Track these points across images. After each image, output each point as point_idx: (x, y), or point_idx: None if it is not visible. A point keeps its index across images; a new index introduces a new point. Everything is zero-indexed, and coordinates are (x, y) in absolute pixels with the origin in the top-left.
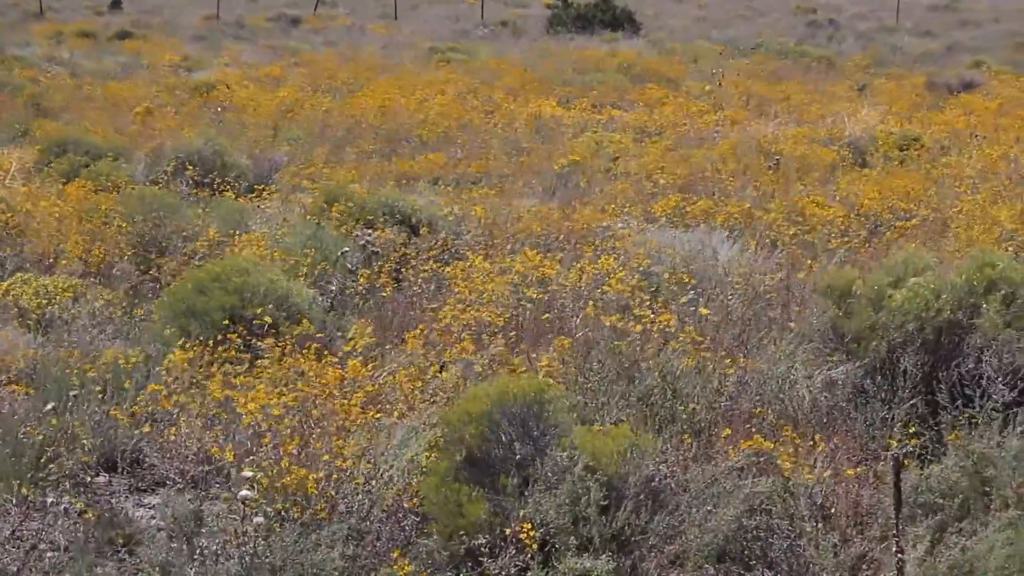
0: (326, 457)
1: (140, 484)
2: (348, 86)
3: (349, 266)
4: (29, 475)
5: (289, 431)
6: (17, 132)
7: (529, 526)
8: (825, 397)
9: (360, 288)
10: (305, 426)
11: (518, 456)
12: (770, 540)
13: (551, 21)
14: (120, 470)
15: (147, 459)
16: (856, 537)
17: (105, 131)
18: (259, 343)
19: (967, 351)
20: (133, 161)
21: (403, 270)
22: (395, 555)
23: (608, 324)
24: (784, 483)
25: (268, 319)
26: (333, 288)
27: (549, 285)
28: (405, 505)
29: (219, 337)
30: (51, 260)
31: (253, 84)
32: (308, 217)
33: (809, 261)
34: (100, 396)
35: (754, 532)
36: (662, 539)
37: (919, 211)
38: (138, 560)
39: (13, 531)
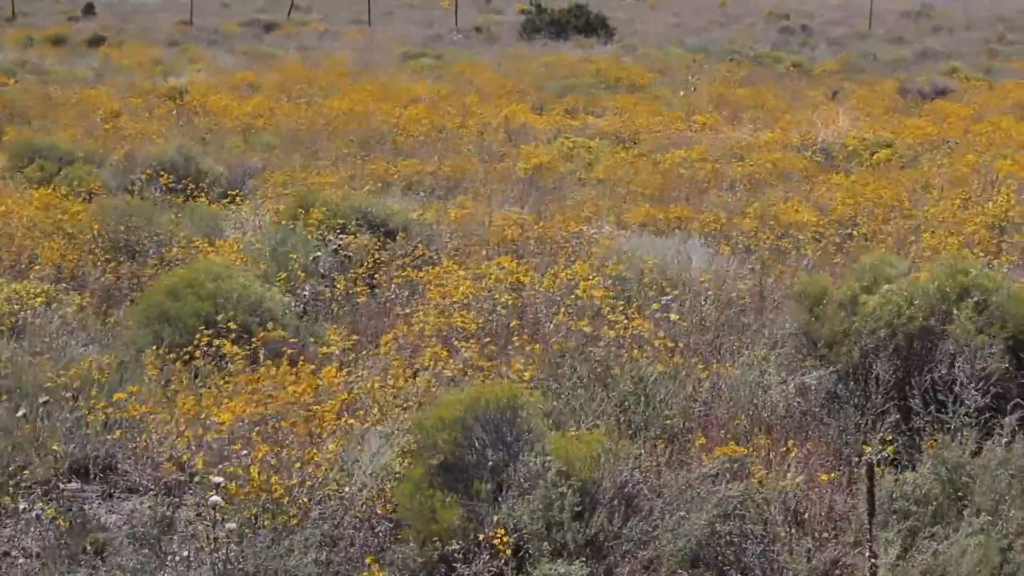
0: (298, 465)
1: (112, 490)
2: (322, 91)
3: (322, 271)
4: (0, 482)
5: (261, 438)
6: None
7: (503, 532)
8: (798, 403)
9: (333, 294)
10: (278, 433)
11: (491, 462)
12: (744, 545)
13: (525, 27)
14: (92, 476)
15: (119, 465)
16: (829, 542)
17: (76, 136)
18: (228, 349)
19: (940, 357)
20: (105, 167)
21: (376, 276)
22: (369, 561)
23: (580, 330)
24: (758, 488)
25: (233, 325)
26: (306, 294)
27: (523, 291)
28: (378, 511)
29: (191, 343)
30: (24, 265)
31: (227, 90)
32: (282, 223)
33: (780, 267)
34: (73, 402)
35: (728, 537)
36: (636, 544)
37: (891, 216)
38: (110, 566)
39: None
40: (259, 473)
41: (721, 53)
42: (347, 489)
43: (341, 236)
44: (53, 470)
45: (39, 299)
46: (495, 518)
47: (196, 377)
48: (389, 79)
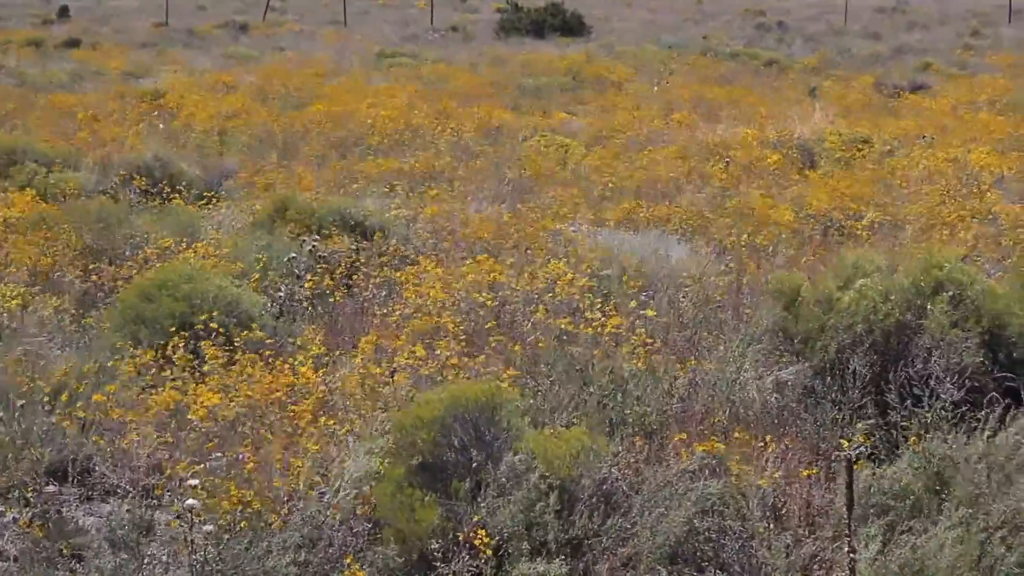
0: (278, 469)
1: (90, 493)
2: (298, 92)
3: (297, 272)
4: None
5: (240, 439)
6: None
7: (484, 532)
8: (776, 398)
9: (309, 294)
10: (256, 433)
11: (474, 462)
12: (722, 541)
13: (501, 25)
14: (70, 479)
15: (97, 468)
16: (808, 537)
17: (52, 140)
18: (208, 352)
19: (915, 352)
20: (82, 170)
21: (353, 276)
22: (348, 561)
23: (558, 327)
24: (736, 484)
25: (214, 326)
26: (281, 294)
27: (500, 290)
28: (357, 511)
29: (168, 344)
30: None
31: (203, 91)
32: (258, 224)
33: (755, 265)
34: (50, 405)
35: (706, 534)
36: (615, 541)
37: (868, 213)
38: (87, 569)
39: None
40: (238, 477)
41: (697, 50)
42: (326, 489)
43: (315, 237)
44: (31, 473)
45: (15, 302)
46: (475, 518)
47: (173, 378)
48: (364, 79)
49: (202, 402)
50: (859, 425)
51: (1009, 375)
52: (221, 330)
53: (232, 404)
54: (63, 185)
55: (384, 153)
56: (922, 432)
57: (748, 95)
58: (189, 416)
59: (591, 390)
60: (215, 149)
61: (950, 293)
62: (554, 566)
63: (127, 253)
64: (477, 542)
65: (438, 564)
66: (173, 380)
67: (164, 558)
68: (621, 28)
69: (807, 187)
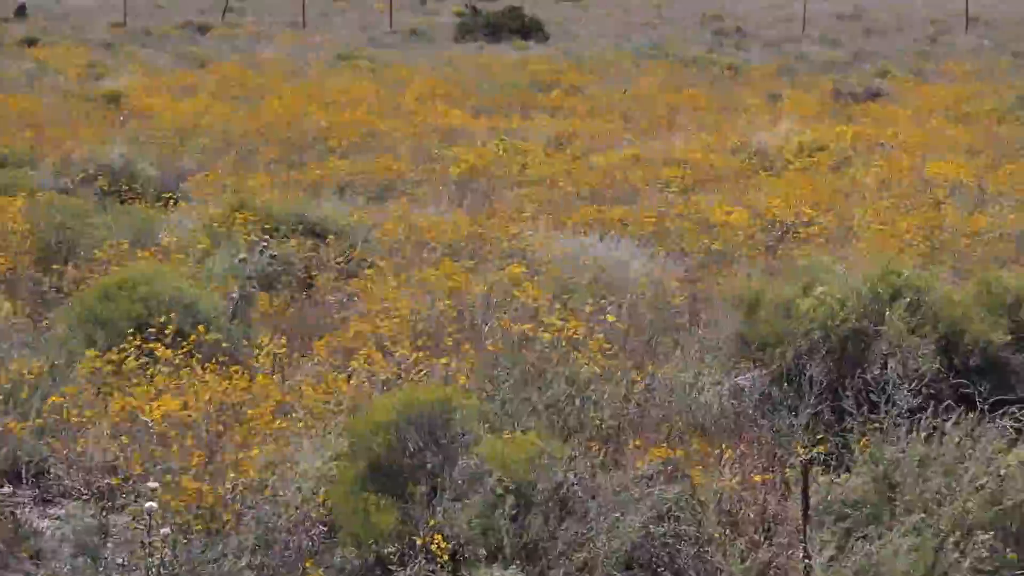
0: (232, 474)
1: (46, 495)
2: (257, 93)
3: (249, 274)
4: None
5: (194, 442)
6: None
7: (440, 537)
8: (732, 404)
9: (268, 297)
10: (211, 436)
11: (430, 464)
12: (678, 547)
13: (460, 29)
14: (25, 481)
15: (52, 470)
16: (763, 543)
17: (8, 139)
18: (161, 353)
19: (872, 358)
20: (40, 170)
21: (313, 278)
22: (307, 564)
23: (516, 332)
24: (692, 490)
25: (172, 328)
26: (235, 296)
27: (458, 295)
28: (312, 515)
29: (123, 346)
30: None
31: (162, 92)
32: (214, 226)
33: (713, 268)
34: (3, 406)
35: (662, 539)
36: (570, 546)
37: (824, 218)
38: (45, 572)
39: None
40: (191, 479)
41: (656, 55)
42: (281, 492)
43: (267, 238)
44: None
45: None
46: (431, 523)
47: (128, 379)
48: (322, 81)
49: (157, 405)
50: (813, 431)
51: (964, 381)
52: (176, 331)
53: (187, 410)
54: (21, 184)
55: (341, 156)
56: (870, 437)
57: (706, 101)
58: (144, 418)
59: (548, 394)
60: (174, 150)
61: (908, 299)
62: (511, 572)
63: (82, 253)
64: (434, 547)
65: (394, 568)
66: (128, 384)
67: (120, 561)
68: (580, 33)
69: (764, 192)
